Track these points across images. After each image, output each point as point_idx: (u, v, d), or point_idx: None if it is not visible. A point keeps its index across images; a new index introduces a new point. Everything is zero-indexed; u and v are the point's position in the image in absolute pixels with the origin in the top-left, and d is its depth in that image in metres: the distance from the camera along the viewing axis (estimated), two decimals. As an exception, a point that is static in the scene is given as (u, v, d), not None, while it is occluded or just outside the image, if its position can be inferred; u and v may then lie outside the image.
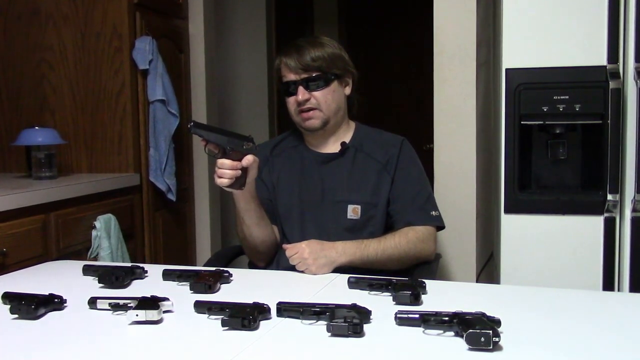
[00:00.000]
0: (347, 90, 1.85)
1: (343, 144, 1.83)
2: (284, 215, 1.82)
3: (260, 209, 1.75)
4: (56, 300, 1.23)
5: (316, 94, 1.77)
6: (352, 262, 1.64)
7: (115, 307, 1.20)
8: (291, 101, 1.79)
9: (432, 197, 1.84)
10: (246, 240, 1.78)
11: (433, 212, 1.80)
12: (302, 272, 1.56)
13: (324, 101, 1.77)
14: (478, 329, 0.97)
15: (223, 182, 1.58)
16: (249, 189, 1.65)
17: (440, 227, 1.82)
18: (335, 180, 1.81)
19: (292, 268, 1.61)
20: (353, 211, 1.76)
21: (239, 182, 1.59)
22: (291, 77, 1.77)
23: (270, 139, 2.09)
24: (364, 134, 1.89)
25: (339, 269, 1.59)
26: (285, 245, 1.64)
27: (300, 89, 1.76)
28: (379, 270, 1.69)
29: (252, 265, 1.89)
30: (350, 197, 1.78)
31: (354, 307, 1.11)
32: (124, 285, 1.39)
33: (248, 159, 1.57)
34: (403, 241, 1.71)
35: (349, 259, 1.63)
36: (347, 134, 1.87)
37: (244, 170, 1.58)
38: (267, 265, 1.83)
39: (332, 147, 1.85)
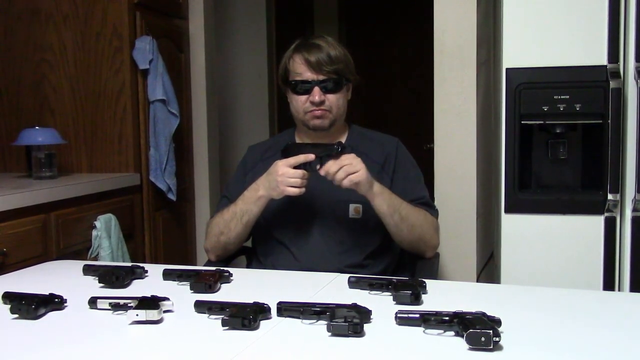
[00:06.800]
0: (349, 95, 1.85)
1: (339, 143, 1.83)
2: (276, 218, 1.79)
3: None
4: (56, 300, 1.23)
5: (330, 96, 1.76)
6: (377, 206, 1.68)
7: (116, 307, 1.20)
8: (302, 100, 1.77)
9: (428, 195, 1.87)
10: (223, 234, 1.77)
11: (435, 208, 1.85)
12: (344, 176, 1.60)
13: (336, 105, 1.77)
14: (478, 328, 0.97)
15: (296, 191, 1.63)
16: None
17: None
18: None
19: (290, 268, 1.63)
20: (355, 210, 1.76)
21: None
22: (307, 75, 1.75)
23: (263, 141, 2.07)
24: (359, 135, 1.89)
25: (339, 269, 1.60)
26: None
27: (317, 89, 1.74)
28: (381, 270, 1.69)
29: (252, 265, 1.89)
30: (351, 195, 1.76)
31: (354, 307, 1.10)
32: (124, 285, 1.39)
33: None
34: (421, 216, 1.74)
35: (378, 202, 1.67)
36: (342, 135, 1.87)
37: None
38: (225, 263, 1.83)
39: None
